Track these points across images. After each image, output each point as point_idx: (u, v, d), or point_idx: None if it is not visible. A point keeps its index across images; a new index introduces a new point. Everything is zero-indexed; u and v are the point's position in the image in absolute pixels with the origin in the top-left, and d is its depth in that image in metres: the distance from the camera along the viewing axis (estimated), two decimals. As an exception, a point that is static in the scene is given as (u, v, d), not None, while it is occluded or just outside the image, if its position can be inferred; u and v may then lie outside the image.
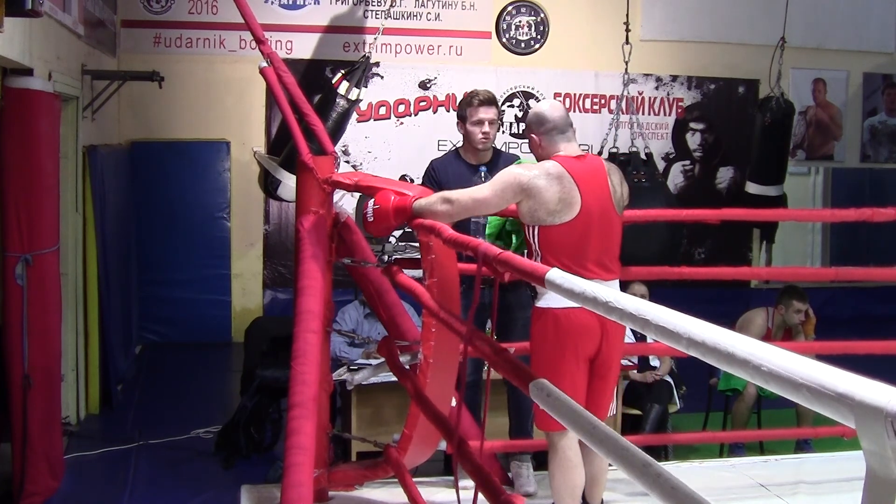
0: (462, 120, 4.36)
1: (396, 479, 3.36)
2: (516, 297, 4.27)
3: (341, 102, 6.84)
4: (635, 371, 5.55)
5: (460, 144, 4.52)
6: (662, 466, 1.37)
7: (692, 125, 10.14)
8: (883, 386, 0.96)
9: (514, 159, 4.57)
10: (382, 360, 3.58)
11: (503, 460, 4.30)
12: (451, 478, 4.06)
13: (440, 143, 9.32)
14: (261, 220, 9.27)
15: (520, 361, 2.10)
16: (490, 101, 4.31)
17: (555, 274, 1.80)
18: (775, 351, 1.09)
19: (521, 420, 4.32)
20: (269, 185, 7.58)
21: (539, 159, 3.46)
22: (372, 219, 3.14)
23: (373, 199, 3.17)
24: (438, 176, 4.39)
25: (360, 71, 6.89)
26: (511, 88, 9.65)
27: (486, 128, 4.28)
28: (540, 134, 3.43)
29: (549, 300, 3.24)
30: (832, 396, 0.98)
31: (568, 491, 3.31)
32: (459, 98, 9.48)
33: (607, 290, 1.61)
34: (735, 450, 5.49)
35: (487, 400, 2.40)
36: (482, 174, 4.16)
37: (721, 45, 10.01)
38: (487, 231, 4.13)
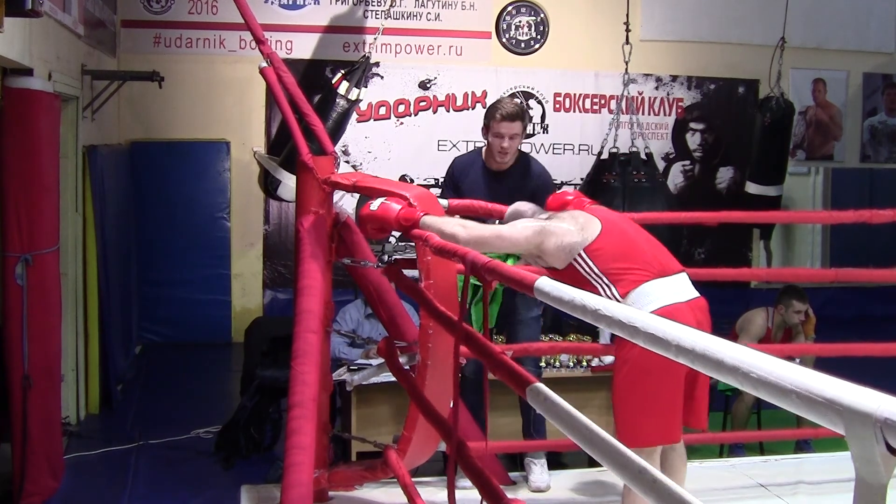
0: (486, 126, 4.36)
1: (396, 480, 3.36)
2: (522, 298, 4.26)
3: (341, 102, 6.83)
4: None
5: (485, 145, 4.50)
6: (658, 472, 1.37)
7: (692, 125, 10.14)
8: (872, 392, 0.96)
9: (542, 171, 4.51)
10: (382, 360, 3.58)
11: (518, 457, 4.34)
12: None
13: (440, 143, 9.32)
14: (261, 220, 9.27)
15: (515, 364, 2.09)
16: (513, 116, 4.27)
17: (544, 282, 1.79)
18: (764, 357, 1.09)
19: (530, 419, 4.34)
20: (269, 185, 7.58)
21: None
22: (373, 211, 3.00)
23: (382, 199, 3.05)
24: (456, 179, 4.39)
25: (360, 71, 6.89)
26: (511, 88, 9.64)
27: (506, 143, 4.26)
28: None
29: (643, 306, 2.95)
30: (821, 402, 0.98)
31: None
32: (459, 98, 9.60)
33: (595, 299, 1.59)
34: (735, 450, 5.49)
35: (487, 401, 2.40)
36: None
37: (721, 45, 10.01)
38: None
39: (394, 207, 2.96)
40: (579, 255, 3.07)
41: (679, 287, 3.08)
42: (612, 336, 5.70)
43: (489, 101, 9.34)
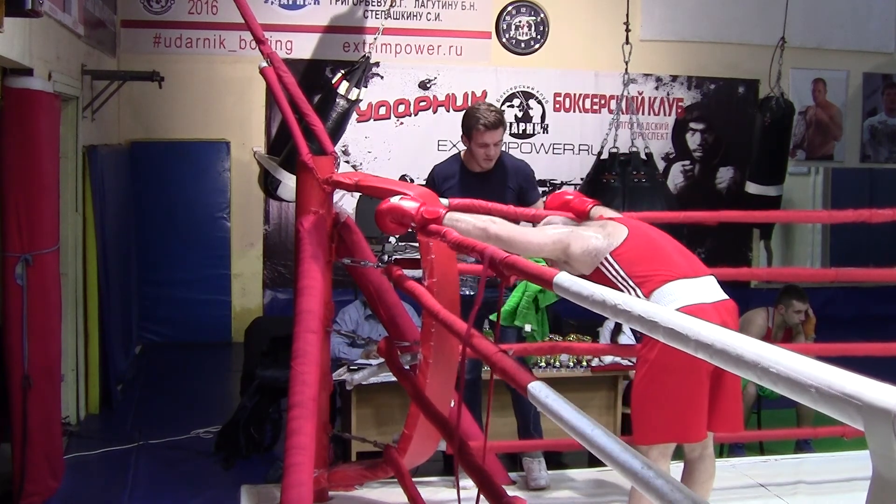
0: (466, 135, 4.38)
1: (396, 480, 3.36)
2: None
3: (341, 102, 6.83)
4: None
5: (464, 149, 4.53)
6: (659, 468, 1.36)
7: (692, 125, 10.14)
8: (892, 388, 0.96)
9: (522, 165, 4.59)
10: (382, 360, 3.57)
11: (517, 456, 4.35)
12: (452, 478, 4.08)
13: (440, 143, 9.32)
14: (261, 220, 9.27)
15: (518, 363, 2.09)
16: (495, 125, 4.31)
17: (563, 277, 1.79)
18: (783, 353, 1.09)
19: (525, 420, 4.35)
20: (269, 185, 7.58)
21: None
22: (394, 203, 2.95)
23: (399, 196, 3.01)
24: (438, 186, 4.41)
25: (360, 71, 6.89)
26: (511, 88, 9.65)
27: (491, 151, 4.35)
28: None
29: (666, 305, 2.89)
30: (840, 398, 0.98)
31: None
32: (459, 98, 9.60)
33: (615, 294, 1.59)
34: (735, 450, 5.48)
35: (491, 401, 2.39)
36: None
37: (721, 45, 10.01)
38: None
39: (414, 203, 2.95)
40: (605, 259, 3.09)
41: (705, 288, 3.07)
42: (613, 335, 5.70)
43: (489, 101, 9.34)
